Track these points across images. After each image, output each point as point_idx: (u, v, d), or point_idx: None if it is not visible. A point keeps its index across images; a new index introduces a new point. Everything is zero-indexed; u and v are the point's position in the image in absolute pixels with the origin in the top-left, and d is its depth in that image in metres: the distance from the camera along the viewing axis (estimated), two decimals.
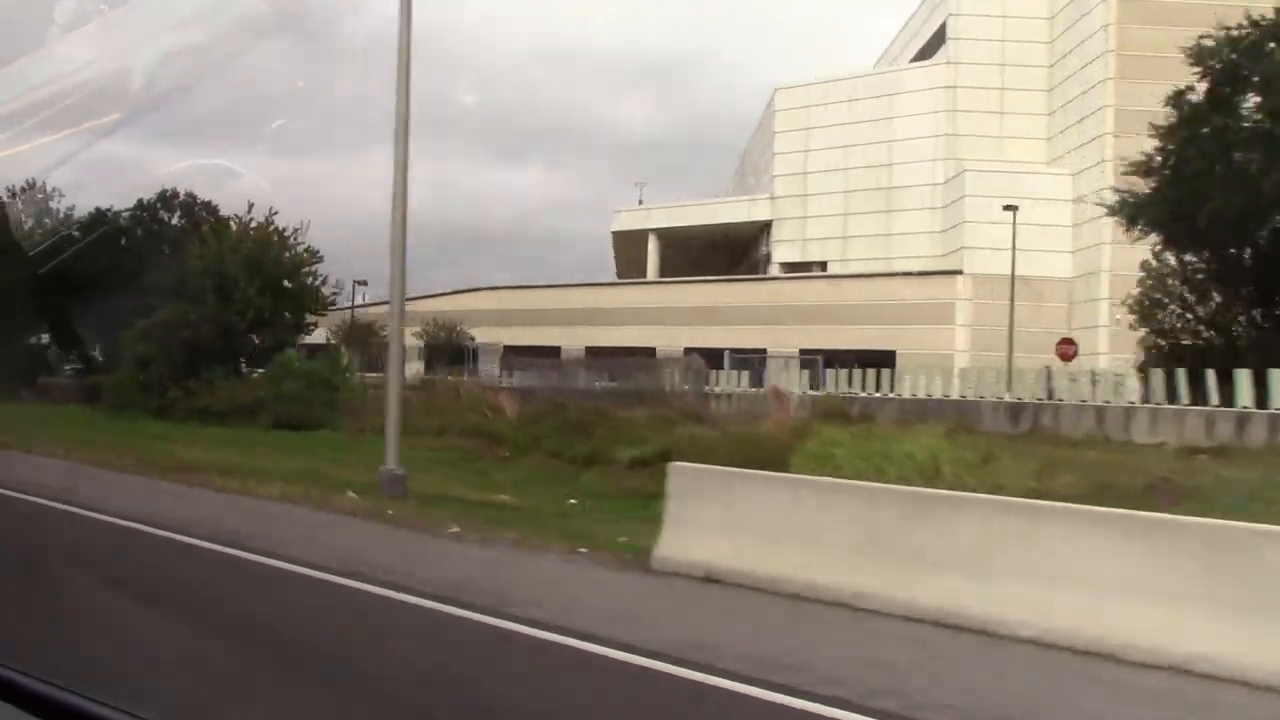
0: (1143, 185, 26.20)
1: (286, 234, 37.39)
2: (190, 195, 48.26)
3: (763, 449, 14.75)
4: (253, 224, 37.38)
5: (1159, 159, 25.45)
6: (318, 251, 38.21)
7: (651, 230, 55.95)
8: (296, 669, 4.95)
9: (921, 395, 29.63)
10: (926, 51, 50.25)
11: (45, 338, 47.56)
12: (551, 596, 6.38)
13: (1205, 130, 23.85)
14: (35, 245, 38.57)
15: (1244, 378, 23.13)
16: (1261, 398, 22.59)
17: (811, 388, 29.07)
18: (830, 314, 44.69)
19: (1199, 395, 24.31)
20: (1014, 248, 35.44)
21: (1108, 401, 26.52)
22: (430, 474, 19.66)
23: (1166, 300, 27.55)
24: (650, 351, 46.34)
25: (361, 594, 6.27)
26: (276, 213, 37.48)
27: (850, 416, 20.10)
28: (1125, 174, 26.47)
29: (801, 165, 50.55)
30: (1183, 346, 26.48)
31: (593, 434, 21.22)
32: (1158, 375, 25.68)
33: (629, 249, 59.81)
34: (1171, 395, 25.38)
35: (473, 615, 5.68)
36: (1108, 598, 5.28)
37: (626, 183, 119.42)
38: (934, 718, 4.42)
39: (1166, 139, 25.10)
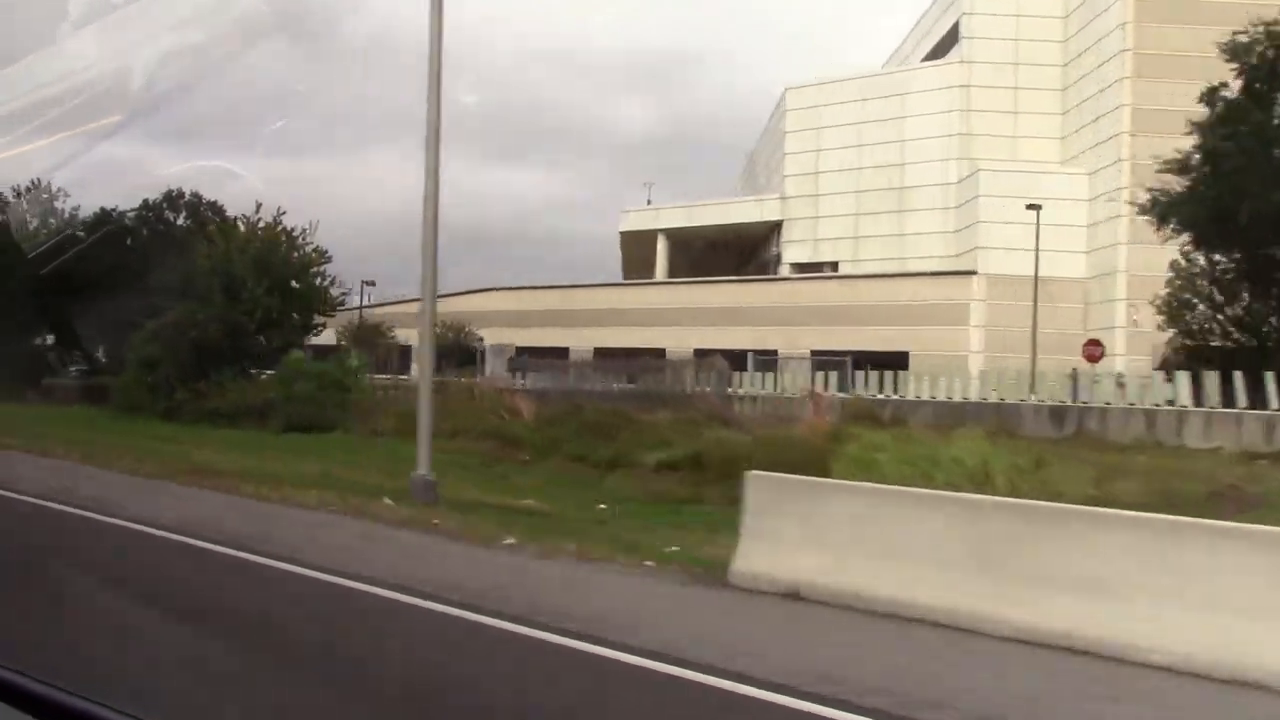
0: (1175, 183, 25.74)
1: (295, 234, 37.02)
2: (196, 195, 47.90)
3: (798, 454, 14.32)
4: (260, 224, 37.00)
5: (1196, 156, 24.97)
6: (326, 251, 37.86)
7: (660, 230, 55.53)
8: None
9: (942, 397, 29.19)
10: (938, 51, 49.85)
11: (50, 338, 47.13)
12: (643, 621, 5.92)
13: (1244, 127, 23.39)
14: (38, 245, 38.10)
15: (1272, 380, 22.74)
16: None
17: (837, 389, 28.57)
18: (843, 315, 44.28)
19: (1228, 398, 23.90)
20: (1037, 248, 35.04)
21: (1133, 404, 26.10)
22: (452, 478, 19.28)
23: (1196, 301, 27.14)
24: (660, 353, 45.91)
25: (461, 623, 5.73)
26: (284, 212, 37.13)
27: (881, 419, 19.69)
28: (1160, 171, 26.00)
29: (812, 165, 50.14)
30: (1212, 348, 26.06)
31: (614, 437, 20.80)
32: (1183, 377, 25.28)
33: (637, 249, 59.38)
34: (1198, 397, 24.97)
35: (571, 643, 5.23)
36: (1258, 621, 4.86)
37: (626, 183, 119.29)
38: None
39: (1206, 135, 24.61)
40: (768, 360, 34.94)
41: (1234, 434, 22.11)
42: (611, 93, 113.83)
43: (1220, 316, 26.87)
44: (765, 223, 53.05)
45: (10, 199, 39.96)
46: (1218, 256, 26.47)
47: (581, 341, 49.75)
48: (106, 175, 42.79)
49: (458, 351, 49.96)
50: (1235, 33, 25.03)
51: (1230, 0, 33.20)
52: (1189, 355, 27.99)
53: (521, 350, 44.80)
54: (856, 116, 48.75)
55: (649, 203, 58.96)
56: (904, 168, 47.42)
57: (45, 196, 42.34)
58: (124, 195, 46.25)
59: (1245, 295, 26.15)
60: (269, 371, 36.44)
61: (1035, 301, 35.37)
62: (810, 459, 14.22)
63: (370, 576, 6.64)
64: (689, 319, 47.99)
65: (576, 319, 51.90)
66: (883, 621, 5.95)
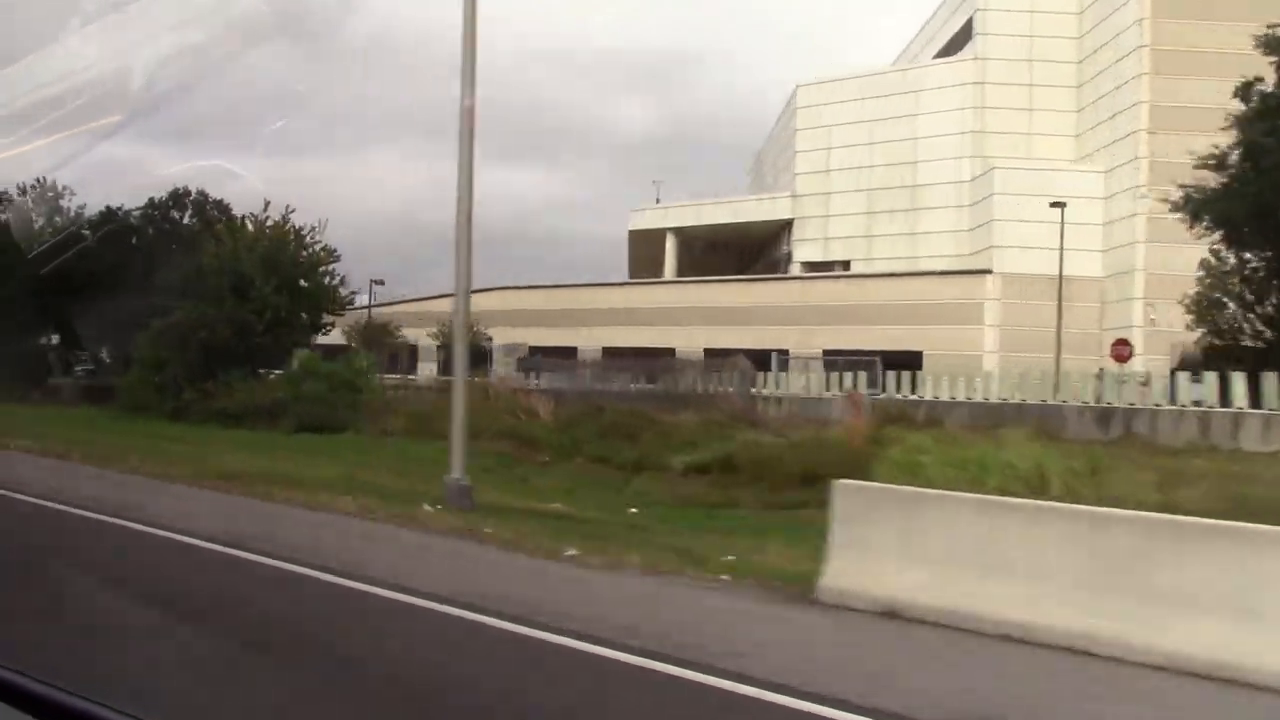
0: (1211, 179, 25.27)
1: (304, 232, 36.58)
2: (202, 193, 47.48)
3: (837, 457, 13.89)
4: (269, 222, 36.54)
5: (1236, 152, 24.47)
6: (335, 250, 37.43)
7: (669, 229, 55.07)
8: None
9: (962, 397, 28.77)
10: (951, 48, 49.40)
11: (55, 338, 46.76)
12: (746, 644, 5.43)
13: None
14: (39, 245, 37.77)
15: None
16: None
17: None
18: (855, 314, 43.84)
19: (1254, 398, 23.49)
20: (1061, 247, 34.61)
21: (1159, 405, 25.68)
22: (476, 480, 18.83)
23: (1226, 300, 26.71)
24: (669, 352, 45.49)
25: (562, 651, 5.27)
26: (293, 210, 36.69)
27: (914, 421, 19.25)
28: (1197, 167, 25.52)
29: (824, 163, 49.69)
30: (1242, 348, 25.63)
31: (637, 438, 20.37)
32: (1211, 377, 24.85)
33: (645, 248, 58.94)
34: (1224, 398, 24.58)
35: (687, 674, 4.77)
36: None
37: (626, 183, 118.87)
38: None
39: (1245, 130, 24.12)
40: (792, 360, 34.43)
41: None
42: (611, 93, 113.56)
43: (1251, 315, 26.41)
44: (775, 221, 52.61)
45: (15, 197, 39.68)
46: (1248, 255, 26.02)
47: (589, 341, 49.32)
48: (107, 175, 42.44)
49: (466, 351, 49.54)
50: (1270, 26, 24.55)
51: None
52: (1215, 355, 27.58)
53: (533, 350, 44.33)
54: (868, 114, 48.30)
55: (658, 201, 58.53)
56: (916, 165, 46.97)
57: (51, 195, 42.08)
58: (123, 195, 45.66)
59: (1276, 294, 25.68)
60: (275, 372, 36.11)
61: (1060, 300, 34.93)
62: (850, 462, 13.77)
63: (446, 596, 6.14)
64: (698, 318, 47.56)
65: (584, 318, 51.46)
66: (997, 644, 5.52)
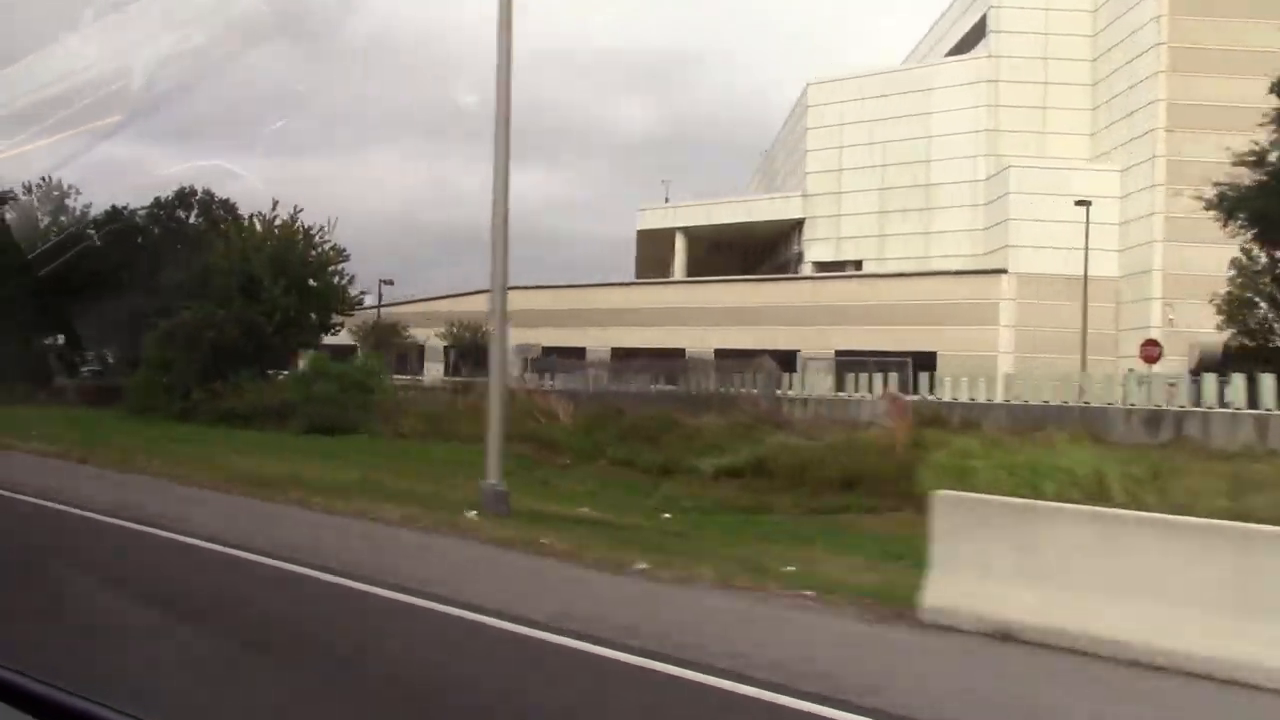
0: (1247, 176, 24.81)
1: (313, 232, 36.19)
2: (208, 193, 47.01)
3: (878, 461, 13.48)
4: (277, 221, 36.15)
5: (1277, 151, 24.01)
6: (344, 250, 37.04)
7: (678, 229, 54.63)
8: None
9: (982, 399, 28.38)
10: (963, 46, 48.99)
11: (60, 338, 46.36)
12: (879, 676, 5.01)
13: None
14: (43, 244, 37.42)
15: None
16: None
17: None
18: (868, 314, 43.43)
19: None
20: (1087, 246, 34.17)
21: (1182, 406, 25.26)
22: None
23: (1257, 300, 26.30)
24: (679, 353, 45.08)
25: (675, 684, 4.84)
26: (301, 209, 36.32)
27: (949, 423, 18.82)
28: (1235, 164, 25.06)
29: (835, 162, 49.26)
30: (1270, 349, 25.19)
31: (659, 441, 19.97)
32: (1239, 379, 24.44)
33: (653, 248, 58.55)
34: (1251, 400, 24.19)
35: (806, 706, 4.35)
36: None
37: (627, 183, 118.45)
38: None
39: None
40: (813, 361, 33.92)
41: None
42: (611, 93, 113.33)
43: None
44: (785, 221, 52.18)
45: (21, 195, 39.28)
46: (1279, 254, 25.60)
47: (597, 341, 48.91)
48: (107, 175, 42.26)
49: (475, 351, 49.09)
50: None
51: None
52: (1237, 355, 27.15)
53: (545, 350, 43.88)
54: (880, 112, 47.87)
55: (666, 201, 58.13)
56: (929, 164, 46.54)
57: (56, 194, 41.65)
58: (123, 194, 45.45)
59: None
60: (281, 373, 35.72)
61: (1085, 301, 34.43)
62: (893, 467, 13.37)
63: (543, 621, 5.66)
64: (708, 318, 47.14)
65: (591, 318, 51.03)
66: (1129, 671, 5.09)
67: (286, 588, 6.86)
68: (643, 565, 7.29)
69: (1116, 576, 5.47)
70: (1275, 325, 26.20)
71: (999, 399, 29.61)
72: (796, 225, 51.69)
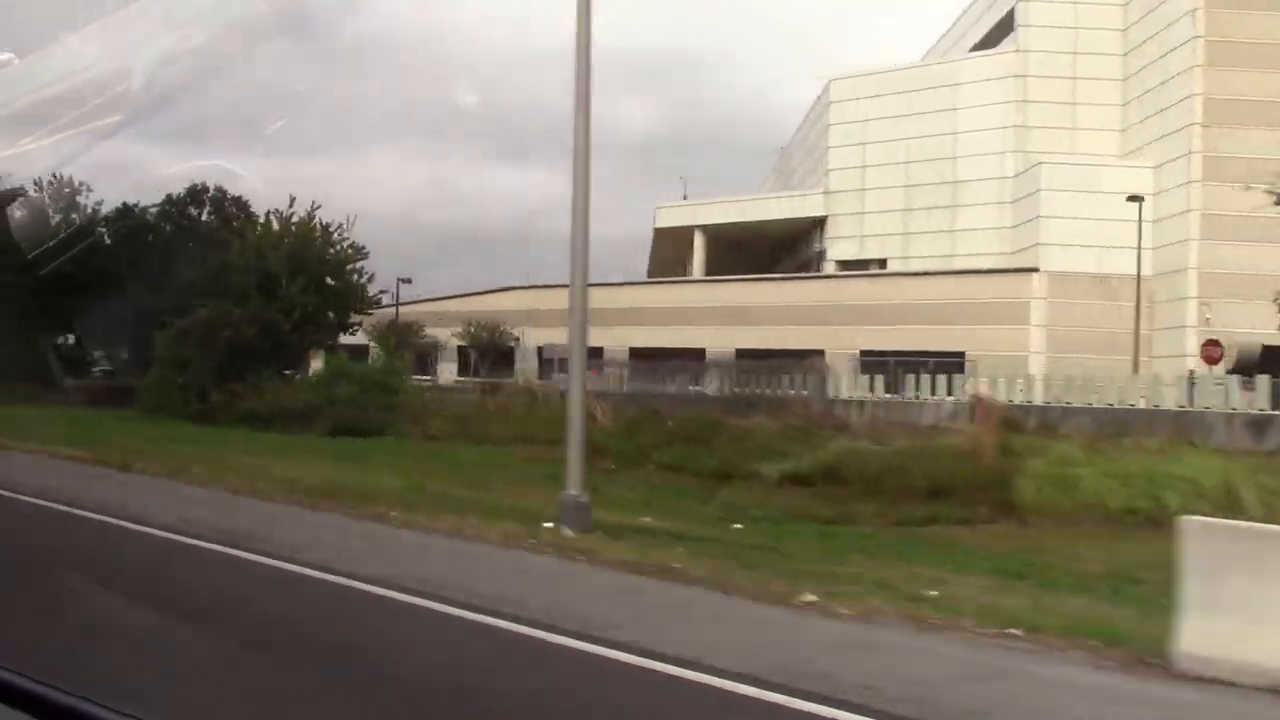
0: None
1: (331, 229, 35.38)
2: (220, 190, 46.21)
3: (962, 469, 12.64)
4: (294, 218, 35.32)
5: None
6: (363, 247, 36.26)
7: (697, 227, 53.76)
8: None
9: (1019, 399, 27.53)
10: (989, 41, 48.11)
11: (71, 338, 45.63)
12: None
13: None
14: (44, 244, 36.49)
15: None
16: None
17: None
18: (894, 313, 42.62)
19: None
20: (1139, 245, 33.42)
21: (1262, 409, 24.29)
22: (545, 489, 17.61)
23: None
24: (699, 353, 44.30)
25: None
26: (319, 206, 35.51)
27: (1025, 427, 17.97)
28: None
29: (858, 159, 48.39)
30: None
31: (709, 444, 19.15)
32: (1262, 381, 23.65)
33: (670, 246, 57.71)
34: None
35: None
36: None
37: (627, 183, 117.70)
38: None
39: None
40: (872, 363, 33.00)
41: None
42: (612, 93, 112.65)
43: None
44: (806, 219, 51.33)
45: (32, 192, 38.51)
46: None
47: (615, 341, 48.03)
48: (107, 175, 41.38)
49: (493, 351, 48.34)
50: None
51: None
52: (1273, 356, 26.34)
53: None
54: (904, 109, 47.00)
55: (685, 198, 57.25)
56: (956, 161, 45.67)
57: (68, 191, 40.87)
58: (124, 194, 44.49)
59: None
60: (297, 373, 34.95)
61: (1139, 300, 33.70)
62: (982, 474, 12.53)
63: (754, 675, 4.76)
64: (729, 318, 46.32)
65: (609, 318, 49.99)
66: None
67: (445, 633, 5.89)
68: (811, 597, 6.45)
69: None
70: None
71: (1038, 400, 28.77)
72: (818, 223, 50.84)
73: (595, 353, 45.87)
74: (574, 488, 10.43)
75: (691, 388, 25.38)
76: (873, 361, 37.54)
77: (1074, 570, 9.53)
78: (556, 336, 48.03)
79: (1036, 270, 41.01)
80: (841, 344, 41.54)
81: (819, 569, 8.17)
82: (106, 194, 41.88)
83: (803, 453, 16.55)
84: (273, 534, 8.59)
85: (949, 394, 25.70)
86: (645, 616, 6.14)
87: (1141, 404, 25.77)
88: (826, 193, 49.66)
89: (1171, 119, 39.67)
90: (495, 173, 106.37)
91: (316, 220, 34.99)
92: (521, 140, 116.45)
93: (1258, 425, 22.97)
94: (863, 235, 48.45)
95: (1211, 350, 28.50)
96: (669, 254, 59.72)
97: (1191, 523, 5.69)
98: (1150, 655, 5.39)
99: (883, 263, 47.54)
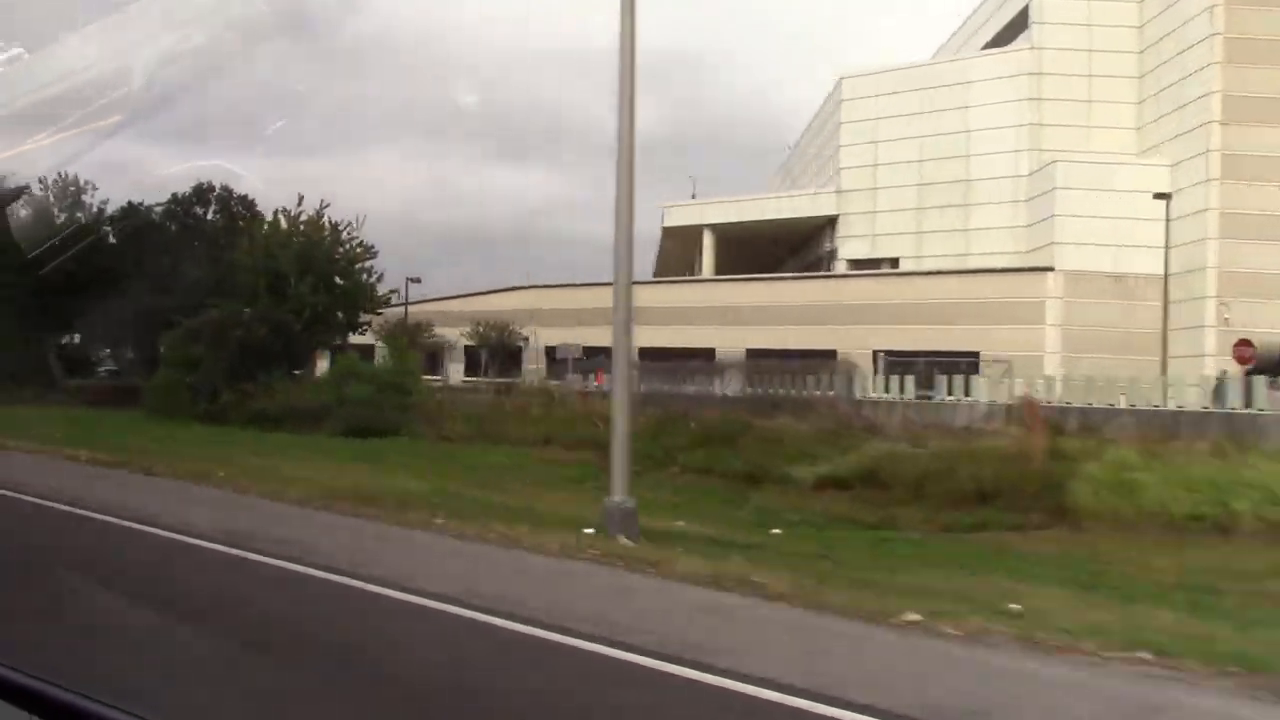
0: None
1: (340, 228, 34.97)
2: (226, 189, 45.82)
3: (1013, 472, 12.23)
4: (302, 217, 34.93)
5: None
6: (372, 246, 35.83)
7: (706, 225, 53.35)
8: None
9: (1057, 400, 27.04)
10: (1002, 39, 47.71)
11: (77, 337, 45.28)
12: None
13: None
14: (44, 243, 36.19)
15: None
16: None
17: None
18: (907, 313, 42.24)
19: None
20: (1167, 244, 32.96)
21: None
22: (574, 492, 17.22)
23: None
24: (709, 353, 43.91)
25: None
26: (328, 205, 35.09)
27: (1066, 429, 17.56)
28: None
29: (870, 157, 47.97)
30: None
31: (737, 446, 18.75)
32: None
33: (678, 246, 57.30)
34: None
35: None
36: None
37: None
38: None
39: None
40: (899, 362, 32.48)
41: None
42: (612, 93, 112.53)
43: None
44: (817, 218, 50.92)
45: (37, 191, 38.13)
46: None
47: None
48: (107, 175, 41.04)
49: (501, 351, 47.95)
50: None
51: None
52: None
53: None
54: (917, 106, 46.59)
55: (694, 197, 56.84)
56: (969, 159, 45.27)
57: (73, 189, 40.50)
58: (124, 193, 44.13)
59: None
60: (303, 373, 34.57)
61: (1165, 299, 33.28)
62: (1032, 479, 12.13)
63: (846, 699, 4.36)
64: (739, 317, 45.94)
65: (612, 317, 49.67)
66: None
67: (535, 656, 5.43)
68: (913, 616, 6.04)
69: None
70: None
71: (1056, 400, 28.34)
72: (829, 222, 50.44)
73: (603, 353, 45.60)
74: (619, 493, 10.02)
75: (712, 388, 24.91)
76: (897, 361, 37.04)
77: (1145, 580, 9.14)
78: (559, 336, 47.69)
79: (1052, 269, 40.62)
80: (854, 344, 41.14)
81: (887, 580, 7.78)
82: (106, 194, 41.45)
83: (835, 455, 16.15)
84: (319, 544, 8.15)
85: (965, 394, 25.23)
86: (747, 640, 5.69)
87: (1173, 405, 25.34)
88: (838, 191, 49.25)
89: (1189, 117, 39.29)
90: (495, 173, 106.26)
91: (325, 219, 34.58)
92: (521, 140, 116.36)
93: None
94: (874, 234, 48.05)
95: (1243, 350, 28.06)
96: (677, 253, 59.33)
97: None
98: None
99: (895, 262, 47.16)
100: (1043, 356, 39.34)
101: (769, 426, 19.00)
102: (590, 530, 10.14)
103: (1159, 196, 33.58)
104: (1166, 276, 33.58)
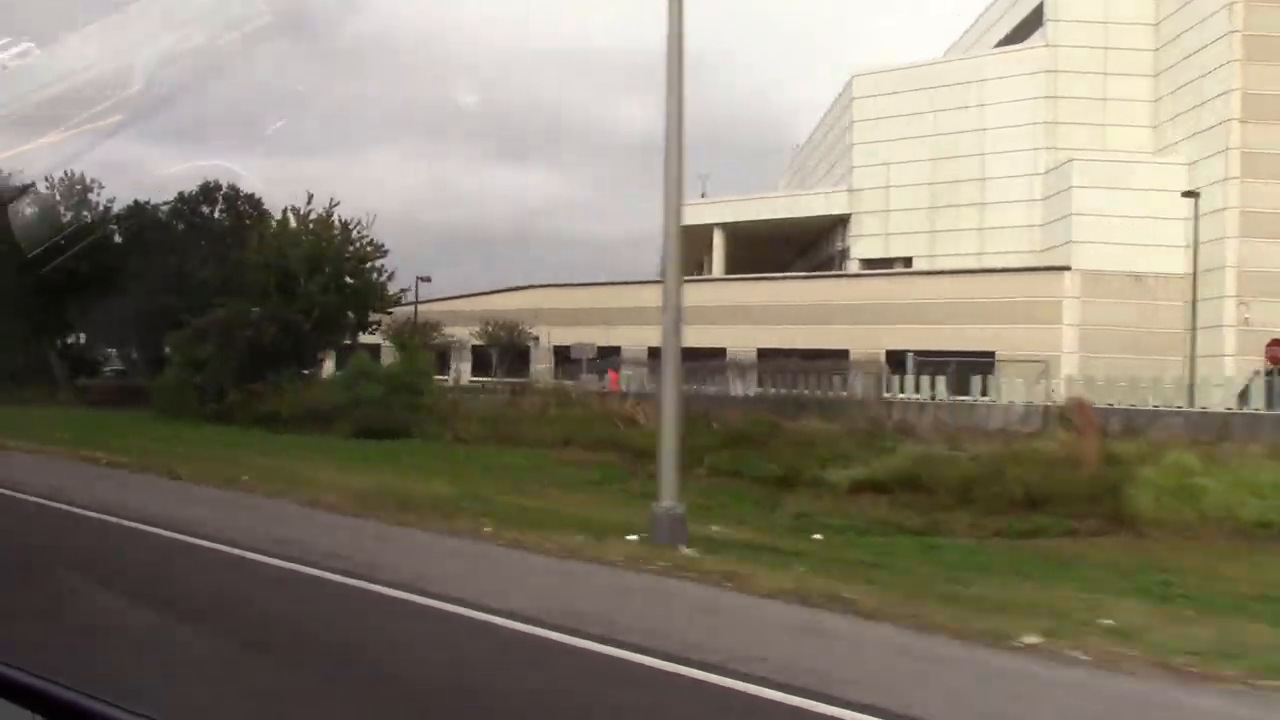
0: None
1: (350, 226, 34.53)
2: (233, 188, 45.37)
3: (1064, 476, 11.78)
4: (312, 215, 34.49)
5: None
6: (382, 245, 35.38)
7: (716, 225, 52.88)
8: None
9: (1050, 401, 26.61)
10: (1015, 36, 47.26)
11: (83, 337, 44.90)
12: None
13: None
14: (42, 242, 35.83)
15: None
16: None
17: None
18: (921, 313, 41.80)
19: None
20: (1196, 240, 32.46)
21: None
22: (590, 494, 16.78)
23: None
24: (719, 352, 43.45)
25: None
26: (338, 203, 34.65)
27: (1108, 432, 17.11)
28: None
29: (883, 155, 47.51)
30: None
31: (764, 447, 18.30)
32: None
33: (688, 245, 56.78)
34: None
35: None
36: None
37: (627, 183, 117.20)
38: None
39: None
40: (930, 362, 31.95)
41: None
42: (611, 93, 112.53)
43: None
44: (829, 216, 50.47)
45: (43, 190, 37.74)
46: None
47: (631, 340, 47.25)
48: (107, 175, 40.65)
49: (511, 351, 47.52)
50: None
51: None
52: None
53: (564, 350, 42.09)
54: (930, 105, 46.15)
55: (704, 196, 56.36)
56: (984, 157, 44.81)
57: (79, 188, 40.08)
58: (125, 193, 43.74)
59: None
60: (310, 373, 34.16)
61: (1195, 298, 32.79)
62: (1085, 483, 11.68)
63: None
64: (750, 317, 45.49)
65: (626, 317, 49.37)
66: None
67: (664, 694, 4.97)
68: (1033, 638, 5.59)
69: None
70: None
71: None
72: (840, 221, 50.00)
73: (612, 353, 45.13)
74: (668, 499, 9.58)
75: (729, 388, 24.47)
76: (927, 361, 36.49)
77: (1221, 590, 8.70)
78: (560, 336, 47.26)
79: (1069, 269, 40.16)
80: (867, 344, 40.73)
81: (963, 591, 7.33)
82: (107, 194, 41.08)
83: (869, 457, 15.71)
84: (380, 558, 7.65)
85: (982, 394, 24.76)
86: (869, 668, 5.21)
87: (1200, 406, 24.93)
88: (850, 190, 48.81)
89: (1207, 114, 38.84)
90: (495, 173, 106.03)
91: (335, 217, 34.14)
92: (521, 140, 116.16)
93: None
94: (887, 233, 47.60)
95: (1276, 350, 27.61)
96: (686, 253, 58.86)
97: None
98: None
99: (908, 261, 46.71)
100: (1060, 357, 38.91)
101: (797, 428, 18.55)
102: (633, 537, 9.71)
103: (1187, 194, 33.13)
104: (1195, 274, 33.16)
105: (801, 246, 56.12)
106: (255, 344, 30.49)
